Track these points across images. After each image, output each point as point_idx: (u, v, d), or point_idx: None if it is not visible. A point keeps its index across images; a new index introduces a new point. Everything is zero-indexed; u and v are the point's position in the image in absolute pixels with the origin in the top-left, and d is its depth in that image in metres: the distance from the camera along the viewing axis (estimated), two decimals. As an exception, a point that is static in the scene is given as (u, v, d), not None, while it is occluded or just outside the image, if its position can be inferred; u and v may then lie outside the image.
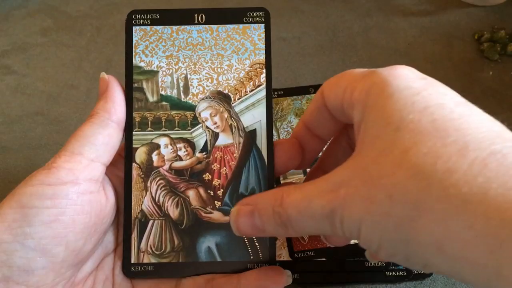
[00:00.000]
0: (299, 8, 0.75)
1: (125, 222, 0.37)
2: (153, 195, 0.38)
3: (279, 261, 0.49)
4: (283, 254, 0.49)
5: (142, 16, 0.38)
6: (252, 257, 0.37)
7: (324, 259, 0.49)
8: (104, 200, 0.35)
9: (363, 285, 0.48)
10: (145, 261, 0.37)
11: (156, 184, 0.38)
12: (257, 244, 0.37)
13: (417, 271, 0.48)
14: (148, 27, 0.37)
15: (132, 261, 0.37)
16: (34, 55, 0.70)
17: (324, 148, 0.37)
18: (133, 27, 0.38)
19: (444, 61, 0.67)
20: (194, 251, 0.37)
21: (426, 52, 0.68)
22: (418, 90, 0.27)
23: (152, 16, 0.38)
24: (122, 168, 0.37)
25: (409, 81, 0.27)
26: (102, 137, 0.35)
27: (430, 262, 0.25)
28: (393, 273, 0.48)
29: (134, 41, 0.37)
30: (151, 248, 0.37)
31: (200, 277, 0.36)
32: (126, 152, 0.37)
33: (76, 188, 0.33)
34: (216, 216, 0.37)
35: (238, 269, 0.36)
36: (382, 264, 0.48)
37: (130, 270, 0.36)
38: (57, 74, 0.68)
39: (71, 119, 0.63)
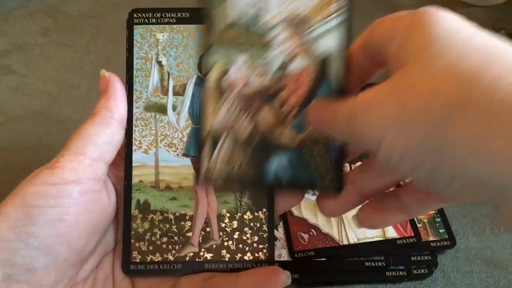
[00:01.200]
0: (299, 8, 0.75)
1: (124, 222, 0.37)
2: (225, 113, 0.37)
3: (279, 261, 0.49)
4: (283, 254, 0.49)
5: None
6: (317, 182, 0.36)
7: (324, 259, 0.49)
8: (106, 200, 0.36)
9: (363, 285, 0.48)
10: (216, 172, 0.37)
11: (228, 103, 0.38)
12: (322, 169, 0.36)
13: (417, 271, 0.48)
14: None
15: (204, 170, 0.37)
16: (34, 55, 0.70)
17: None
18: None
19: (444, 61, 0.67)
20: (262, 170, 0.36)
21: (426, 52, 0.68)
22: (462, 24, 0.27)
23: None
24: (121, 168, 0.37)
25: (451, 15, 0.27)
26: (104, 136, 0.35)
27: (462, 168, 0.24)
28: (393, 273, 0.48)
29: None
30: (223, 159, 0.37)
31: (197, 276, 0.37)
32: (126, 150, 0.37)
33: (80, 188, 0.33)
34: (286, 138, 0.37)
35: (303, 191, 0.37)
36: (382, 264, 0.48)
37: (129, 268, 0.37)
38: (57, 74, 0.68)
39: (71, 119, 0.63)
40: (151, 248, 0.37)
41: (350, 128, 0.29)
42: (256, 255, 0.37)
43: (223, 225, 0.37)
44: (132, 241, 0.37)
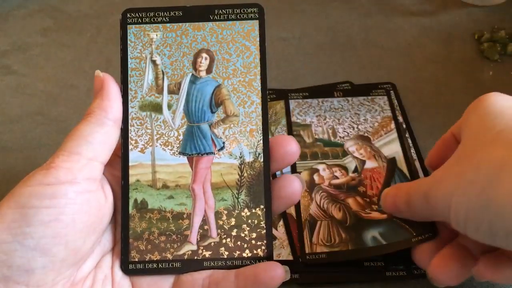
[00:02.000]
0: (299, 8, 0.75)
1: (122, 221, 0.37)
2: (318, 203, 0.48)
3: (278, 261, 0.48)
4: (282, 253, 0.49)
5: None
6: (414, 233, 0.43)
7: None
8: (103, 199, 0.35)
9: (363, 285, 0.48)
10: (318, 251, 0.45)
11: (319, 195, 0.49)
12: (415, 224, 0.43)
13: (417, 271, 0.48)
14: None
15: (307, 251, 0.45)
16: (34, 55, 0.70)
17: None
18: None
19: (444, 61, 0.67)
20: (361, 240, 0.45)
21: (426, 52, 0.68)
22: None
23: None
24: (119, 168, 0.37)
25: (504, 99, 0.36)
26: (99, 136, 0.35)
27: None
28: (393, 273, 0.48)
29: None
30: (322, 241, 0.45)
31: (198, 273, 0.37)
32: (122, 150, 0.37)
33: (75, 188, 0.33)
34: (375, 215, 0.46)
35: (403, 247, 0.44)
36: (381, 264, 0.48)
37: (128, 267, 0.37)
38: (57, 74, 0.67)
39: (71, 119, 0.62)
40: (149, 247, 0.37)
41: (428, 203, 0.35)
42: (255, 251, 0.37)
43: (221, 222, 0.37)
44: (130, 240, 0.37)
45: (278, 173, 0.50)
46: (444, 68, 0.66)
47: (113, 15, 0.75)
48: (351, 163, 0.51)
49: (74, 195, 0.33)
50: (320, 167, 0.51)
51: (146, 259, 0.37)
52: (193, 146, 0.38)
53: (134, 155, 0.38)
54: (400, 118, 0.56)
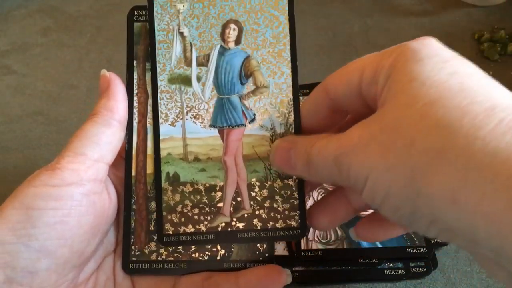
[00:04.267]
0: (299, 8, 0.75)
1: (124, 221, 0.37)
2: (315, 199, 0.48)
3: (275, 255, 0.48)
4: (277, 248, 0.49)
5: None
6: (409, 243, 0.46)
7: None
8: (107, 201, 0.35)
9: (362, 284, 0.48)
10: (314, 247, 0.46)
11: (317, 191, 0.49)
12: (413, 236, 0.47)
13: (416, 269, 0.48)
14: None
15: (302, 248, 0.47)
16: (34, 55, 0.70)
17: None
18: None
19: (444, 61, 0.67)
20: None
21: (426, 52, 0.68)
22: (447, 59, 0.27)
23: None
24: (122, 169, 0.37)
25: (438, 50, 0.28)
26: (105, 137, 0.34)
27: (439, 216, 0.25)
28: (392, 272, 0.48)
29: None
30: (317, 238, 0.46)
31: (197, 275, 0.36)
32: (126, 154, 0.37)
33: (81, 189, 0.32)
34: None
35: (397, 256, 0.47)
36: (376, 260, 0.48)
37: (129, 267, 0.36)
38: (57, 74, 0.67)
39: (71, 119, 0.62)
40: (183, 219, 0.36)
41: (338, 170, 0.29)
42: (288, 222, 0.36)
43: (253, 194, 0.37)
44: (164, 213, 0.36)
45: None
46: (444, 67, 0.66)
47: (113, 15, 0.75)
48: None
49: (80, 197, 0.32)
50: None
51: (180, 232, 0.36)
52: (224, 119, 0.37)
53: (164, 129, 0.37)
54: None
